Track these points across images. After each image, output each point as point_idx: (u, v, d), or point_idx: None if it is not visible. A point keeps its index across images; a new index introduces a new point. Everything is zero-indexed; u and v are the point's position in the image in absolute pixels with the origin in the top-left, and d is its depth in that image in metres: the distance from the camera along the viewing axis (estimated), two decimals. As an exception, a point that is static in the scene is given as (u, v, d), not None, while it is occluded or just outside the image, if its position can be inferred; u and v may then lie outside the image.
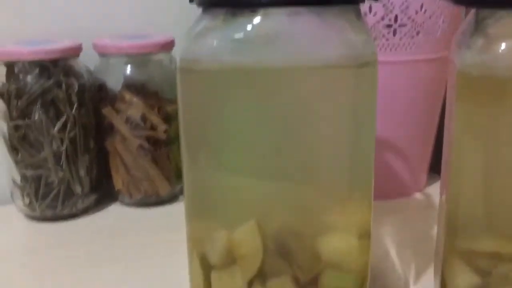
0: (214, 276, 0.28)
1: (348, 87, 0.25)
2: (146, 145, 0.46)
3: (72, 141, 0.44)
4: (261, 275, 0.27)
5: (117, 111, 0.46)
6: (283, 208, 0.27)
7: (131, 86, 0.46)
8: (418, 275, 0.34)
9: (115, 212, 0.47)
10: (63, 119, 0.43)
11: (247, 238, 0.27)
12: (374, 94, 0.26)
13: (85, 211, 0.47)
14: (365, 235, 0.27)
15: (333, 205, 0.27)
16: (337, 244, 0.27)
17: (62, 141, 0.44)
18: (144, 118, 0.46)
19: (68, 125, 0.44)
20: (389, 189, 0.47)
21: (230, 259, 0.27)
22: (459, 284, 0.25)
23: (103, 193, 0.48)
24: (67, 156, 0.44)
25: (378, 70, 0.26)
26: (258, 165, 0.27)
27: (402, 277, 0.34)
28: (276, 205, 0.27)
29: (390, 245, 0.39)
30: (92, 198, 0.47)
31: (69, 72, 0.44)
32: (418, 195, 0.48)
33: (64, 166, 0.44)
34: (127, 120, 0.46)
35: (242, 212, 0.27)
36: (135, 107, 0.46)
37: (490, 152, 0.23)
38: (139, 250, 0.39)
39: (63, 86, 0.43)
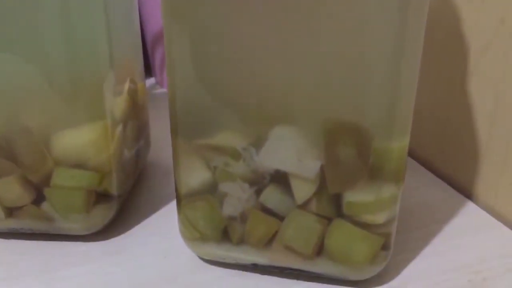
0: None
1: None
2: None
3: None
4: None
5: None
6: (7, 98, 0.24)
7: None
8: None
9: None
10: None
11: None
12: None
13: None
14: (102, 134, 0.25)
15: (62, 95, 0.24)
16: (67, 140, 0.25)
17: None
18: None
19: None
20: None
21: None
22: (190, 181, 0.24)
23: None
24: None
25: None
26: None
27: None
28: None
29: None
30: None
31: None
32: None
33: None
34: None
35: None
36: None
37: (197, 41, 0.21)
38: None
39: None
